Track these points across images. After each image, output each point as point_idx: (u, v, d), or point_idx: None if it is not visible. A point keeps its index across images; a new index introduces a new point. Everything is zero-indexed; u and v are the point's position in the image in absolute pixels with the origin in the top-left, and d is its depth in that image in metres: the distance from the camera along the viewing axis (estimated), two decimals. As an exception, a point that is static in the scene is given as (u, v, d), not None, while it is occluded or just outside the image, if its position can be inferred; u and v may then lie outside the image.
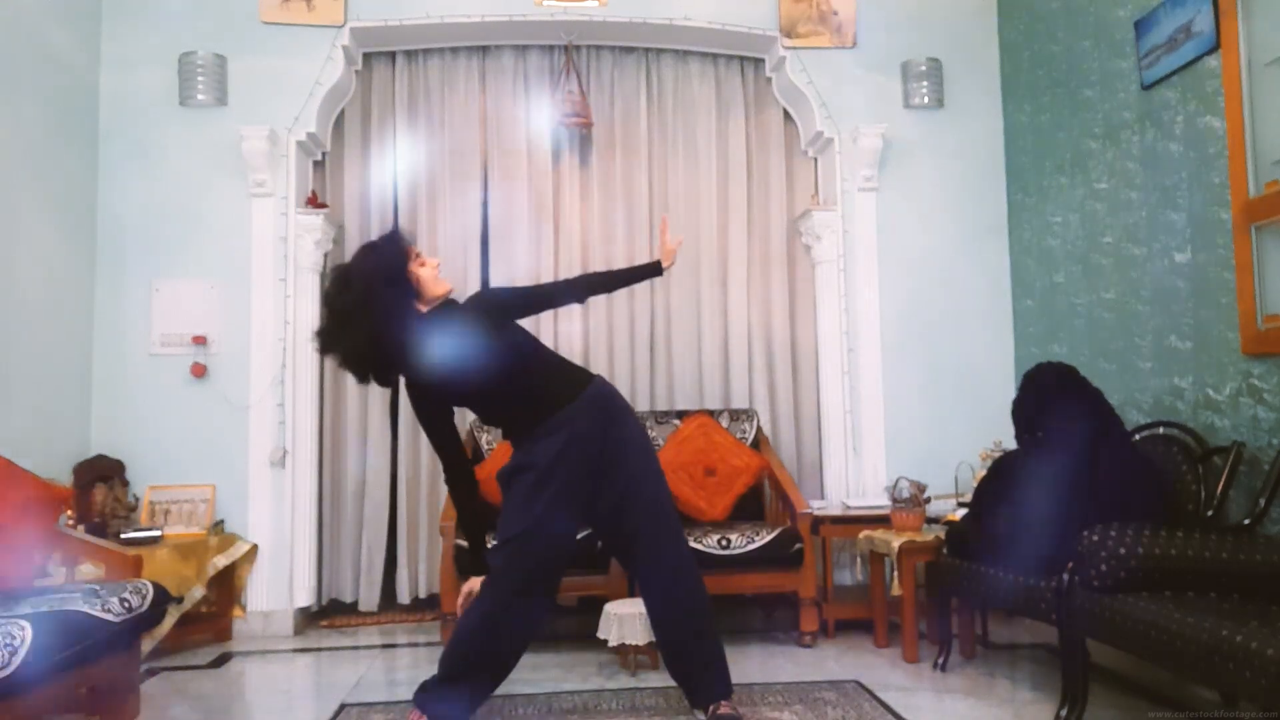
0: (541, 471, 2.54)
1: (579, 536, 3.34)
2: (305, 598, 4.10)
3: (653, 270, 2.79)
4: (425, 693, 2.58)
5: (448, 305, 2.61)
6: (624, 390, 4.15)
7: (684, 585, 2.63)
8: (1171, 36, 3.25)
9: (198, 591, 3.66)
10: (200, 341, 4.09)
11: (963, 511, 3.46)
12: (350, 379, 4.30)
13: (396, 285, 2.49)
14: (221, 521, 4.00)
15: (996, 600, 2.91)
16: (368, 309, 2.44)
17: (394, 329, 2.48)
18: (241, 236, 4.17)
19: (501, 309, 2.64)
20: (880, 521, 3.71)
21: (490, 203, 4.57)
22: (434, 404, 2.63)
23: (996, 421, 3.77)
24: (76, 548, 2.94)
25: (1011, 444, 3.26)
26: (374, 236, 4.46)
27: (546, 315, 4.47)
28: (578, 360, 4.28)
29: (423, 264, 2.57)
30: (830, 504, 4.20)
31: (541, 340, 4.39)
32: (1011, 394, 3.21)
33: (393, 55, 4.60)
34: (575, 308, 4.35)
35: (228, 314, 4.14)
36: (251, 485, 4.07)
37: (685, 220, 4.61)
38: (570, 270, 4.44)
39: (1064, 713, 2.54)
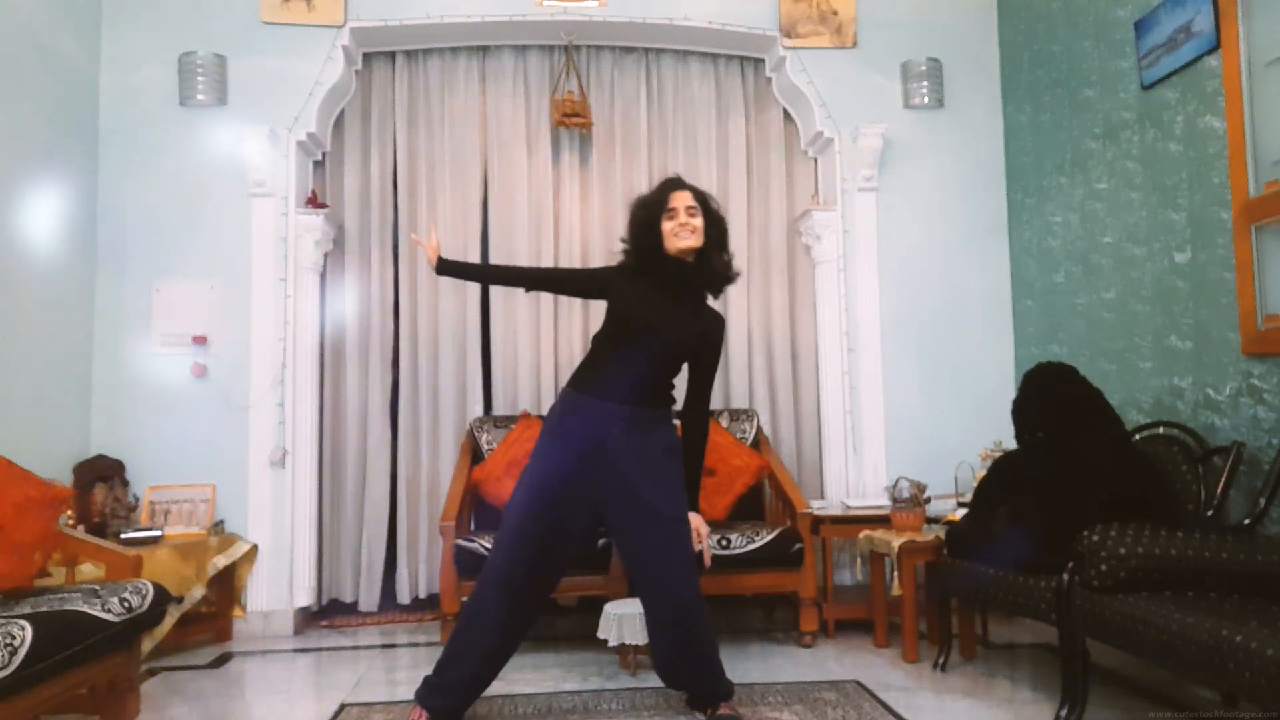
0: (560, 459, 2.61)
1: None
2: (305, 598, 4.10)
3: None
4: (424, 687, 2.61)
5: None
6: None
7: (687, 589, 2.63)
8: (1171, 36, 3.25)
9: (198, 591, 3.66)
10: (200, 341, 4.09)
11: (963, 511, 3.46)
12: (349, 379, 4.39)
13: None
14: (221, 521, 4.00)
15: (997, 600, 2.91)
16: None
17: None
18: (241, 237, 4.17)
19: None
20: (880, 521, 3.71)
21: (490, 203, 4.57)
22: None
23: (996, 421, 3.76)
24: (76, 548, 2.94)
25: (1011, 444, 3.25)
26: (376, 235, 4.51)
27: (547, 314, 4.52)
28: (577, 357, 4.29)
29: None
30: (830, 504, 4.20)
31: (543, 338, 4.46)
32: (1011, 394, 3.21)
33: (393, 55, 4.59)
34: (577, 301, 4.47)
35: (228, 314, 4.14)
36: (251, 485, 4.07)
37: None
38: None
39: (1064, 713, 2.54)
